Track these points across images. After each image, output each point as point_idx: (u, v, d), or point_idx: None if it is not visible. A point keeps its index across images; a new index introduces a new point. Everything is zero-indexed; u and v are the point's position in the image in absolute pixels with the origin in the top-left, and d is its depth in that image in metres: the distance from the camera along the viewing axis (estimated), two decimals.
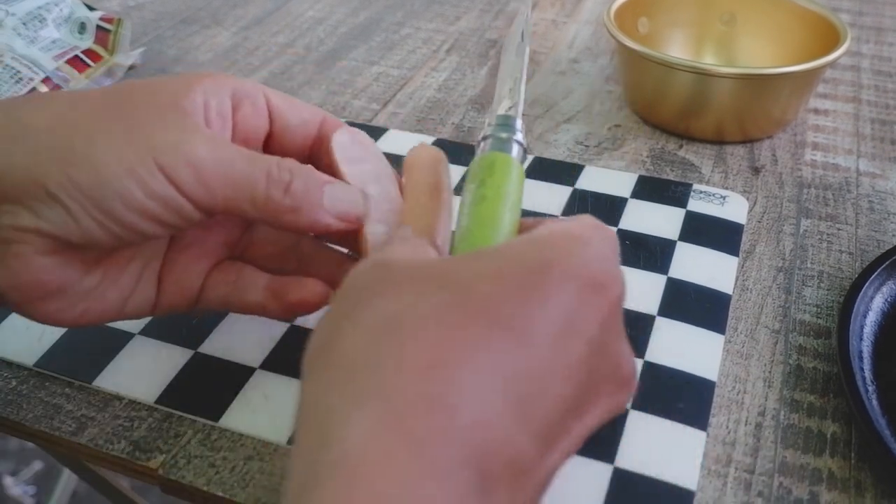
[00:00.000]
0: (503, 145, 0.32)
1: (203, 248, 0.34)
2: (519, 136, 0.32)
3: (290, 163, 0.30)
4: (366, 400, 0.20)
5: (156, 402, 0.35)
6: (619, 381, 0.25)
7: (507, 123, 0.33)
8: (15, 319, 0.39)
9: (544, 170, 0.50)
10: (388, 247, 0.28)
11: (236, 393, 0.35)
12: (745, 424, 0.35)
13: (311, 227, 0.31)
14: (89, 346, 0.37)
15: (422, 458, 0.19)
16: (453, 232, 0.30)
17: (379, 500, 0.18)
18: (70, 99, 0.29)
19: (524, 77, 0.35)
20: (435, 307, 0.22)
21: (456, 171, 0.50)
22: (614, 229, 0.45)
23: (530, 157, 0.51)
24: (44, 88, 0.53)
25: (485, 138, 0.33)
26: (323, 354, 0.23)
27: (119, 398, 0.35)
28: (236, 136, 0.32)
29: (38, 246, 0.28)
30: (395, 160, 0.33)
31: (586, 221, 0.27)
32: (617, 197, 0.48)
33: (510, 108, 0.34)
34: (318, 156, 0.35)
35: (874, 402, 0.35)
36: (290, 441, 0.33)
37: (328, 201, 0.30)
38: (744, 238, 0.45)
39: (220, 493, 0.31)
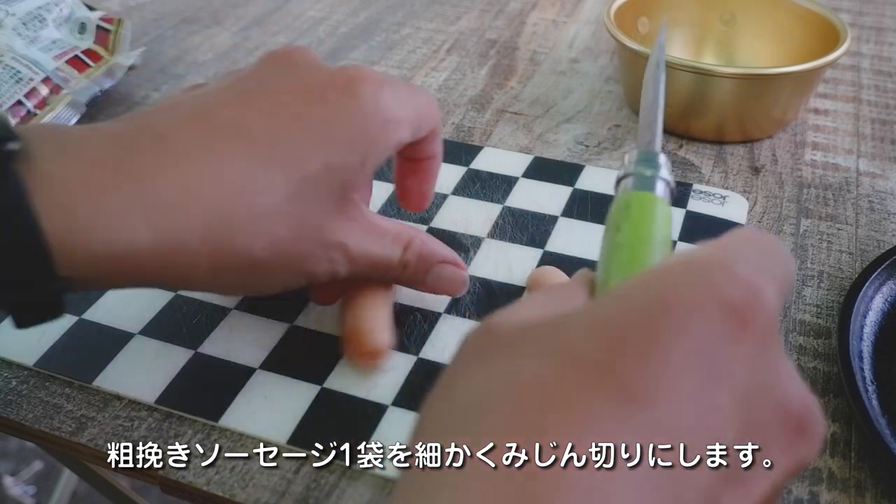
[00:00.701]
0: (643, 183, 0.29)
1: None
2: (663, 173, 0.29)
3: (416, 245, 0.35)
4: (442, 487, 0.18)
5: (156, 402, 0.35)
6: (790, 427, 0.21)
7: (647, 159, 0.29)
8: None
9: (544, 170, 0.50)
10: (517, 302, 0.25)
11: (236, 393, 0.35)
12: None
13: (414, 288, 0.38)
14: (89, 346, 0.37)
15: None
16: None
17: None
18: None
19: (661, 107, 0.32)
20: (530, 378, 0.19)
21: (454, 172, 0.50)
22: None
23: (529, 157, 0.51)
24: (44, 88, 0.53)
25: (624, 177, 0.30)
26: (419, 423, 0.22)
27: (119, 398, 0.35)
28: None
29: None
30: None
31: (735, 235, 0.22)
32: None
33: (650, 141, 0.31)
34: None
35: (874, 402, 0.35)
36: (290, 441, 0.33)
37: (431, 280, 0.37)
38: None
39: (220, 493, 0.31)
